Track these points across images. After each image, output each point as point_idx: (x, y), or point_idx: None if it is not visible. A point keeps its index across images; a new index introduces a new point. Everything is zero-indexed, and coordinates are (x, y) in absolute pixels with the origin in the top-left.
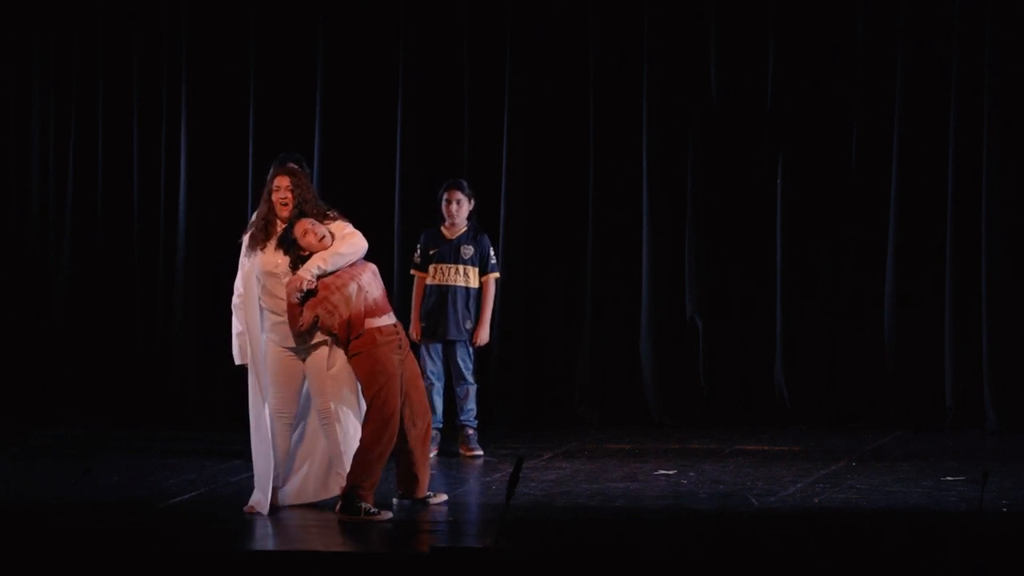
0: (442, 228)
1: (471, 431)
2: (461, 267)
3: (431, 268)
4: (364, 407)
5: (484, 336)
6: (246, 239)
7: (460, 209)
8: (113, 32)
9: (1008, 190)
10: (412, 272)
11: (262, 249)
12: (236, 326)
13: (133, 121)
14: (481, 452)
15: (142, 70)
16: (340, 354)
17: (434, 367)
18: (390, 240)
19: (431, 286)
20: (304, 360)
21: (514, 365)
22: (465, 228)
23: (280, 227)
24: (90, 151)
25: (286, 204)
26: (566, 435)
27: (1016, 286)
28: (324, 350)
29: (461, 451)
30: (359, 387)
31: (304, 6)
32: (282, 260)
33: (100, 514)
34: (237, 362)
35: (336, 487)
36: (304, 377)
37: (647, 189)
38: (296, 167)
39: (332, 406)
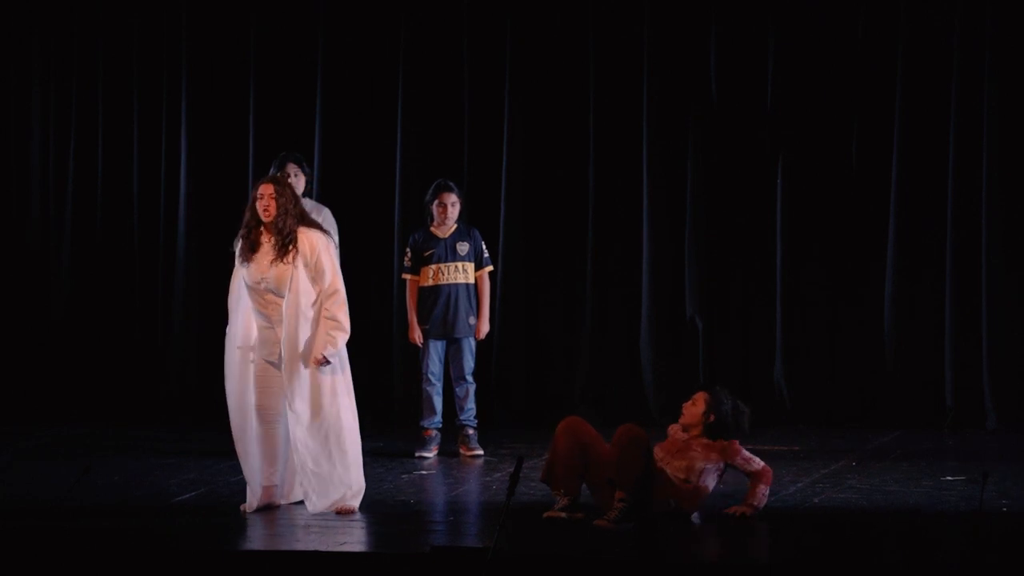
0: (432, 228)
1: (471, 431)
2: (460, 264)
3: (429, 269)
4: (354, 408)
5: (485, 329)
6: (237, 247)
7: (452, 211)
8: (113, 32)
9: (1009, 190)
10: (404, 276)
11: (249, 261)
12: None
13: (133, 121)
14: (481, 452)
15: (142, 70)
16: (331, 365)
17: (436, 367)
18: (390, 240)
19: (430, 287)
20: (291, 371)
21: (514, 365)
22: (456, 226)
23: (264, 236)
24: (90, 151)
25: (268, 211)
26: None
27: (1016, 285)
28: (295, 360)
29: (461, 451)
30: (352, 391)
31: (304, 6)
32: (267, 273)
33: (100, 514)
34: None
35: (332, 491)
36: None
37: (647, 189)
38: (282, 176)
39: (329, 410)
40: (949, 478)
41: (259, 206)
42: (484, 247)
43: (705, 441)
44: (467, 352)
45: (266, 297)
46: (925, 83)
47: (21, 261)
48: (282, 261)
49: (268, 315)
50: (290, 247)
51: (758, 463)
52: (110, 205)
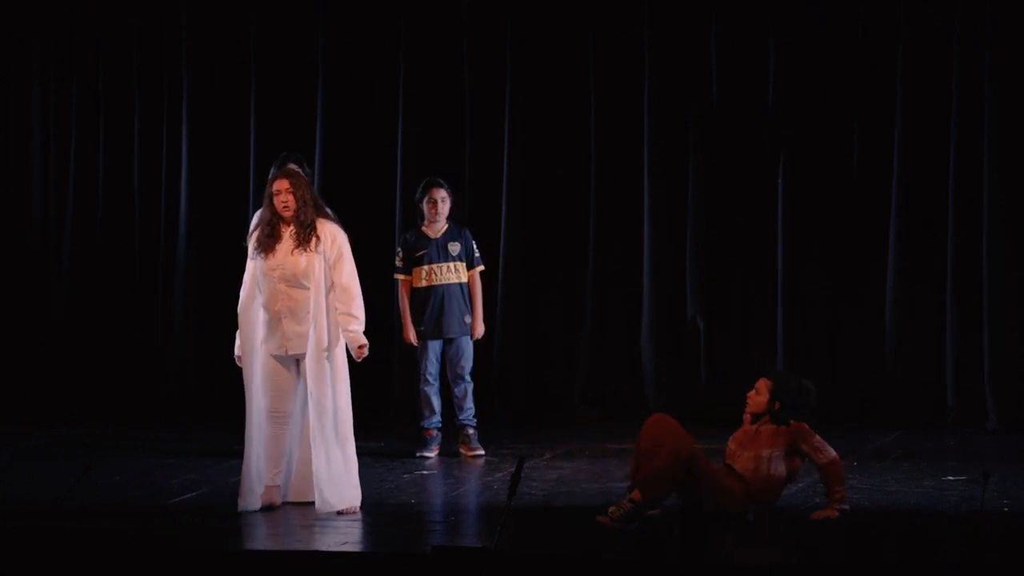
0: (423, 228)
1: (471, 430)
2: (452, 264)
3: (421, 270)
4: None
5: (481, 329)
6: (252, 242)
7: (443, 207)
8: (113, 32)
9: (1009, 190)
10: (396, 276)
11: (267, 253)
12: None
13: (134, 121)
14: (482, 452)
15: (142, 70)
16: (336, 357)
17: (434, 367)
18: (390, 240)
19: (424, 288)
20: (298, 365)
21: (514, 365)
22: (447, 226)
23: (284, 229)
24: (91, 151)
25: (287, 207)
26: (566, 435)
27: (1016, 285)
28: (319, 355)
29: (462, 451)
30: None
31: (304, 6)
32: (284, 261)
33: (100, 514)
34: (236, 352)
35: (346, 493)
36: (297, 378)
37: (648, 189)
38: (294, 168)
39: (330, 404)
40: (950, 478)
41: (277, 202)
42: (475, 247)
43: (773, 428)
44: (464, 351)
45: (278, 287)
46: (925, 83)
47: (21, 261)
48: (304, 250)
49: (277, 307)
50: (312, 236)
51: (828, 453)
52: (110, 205)
